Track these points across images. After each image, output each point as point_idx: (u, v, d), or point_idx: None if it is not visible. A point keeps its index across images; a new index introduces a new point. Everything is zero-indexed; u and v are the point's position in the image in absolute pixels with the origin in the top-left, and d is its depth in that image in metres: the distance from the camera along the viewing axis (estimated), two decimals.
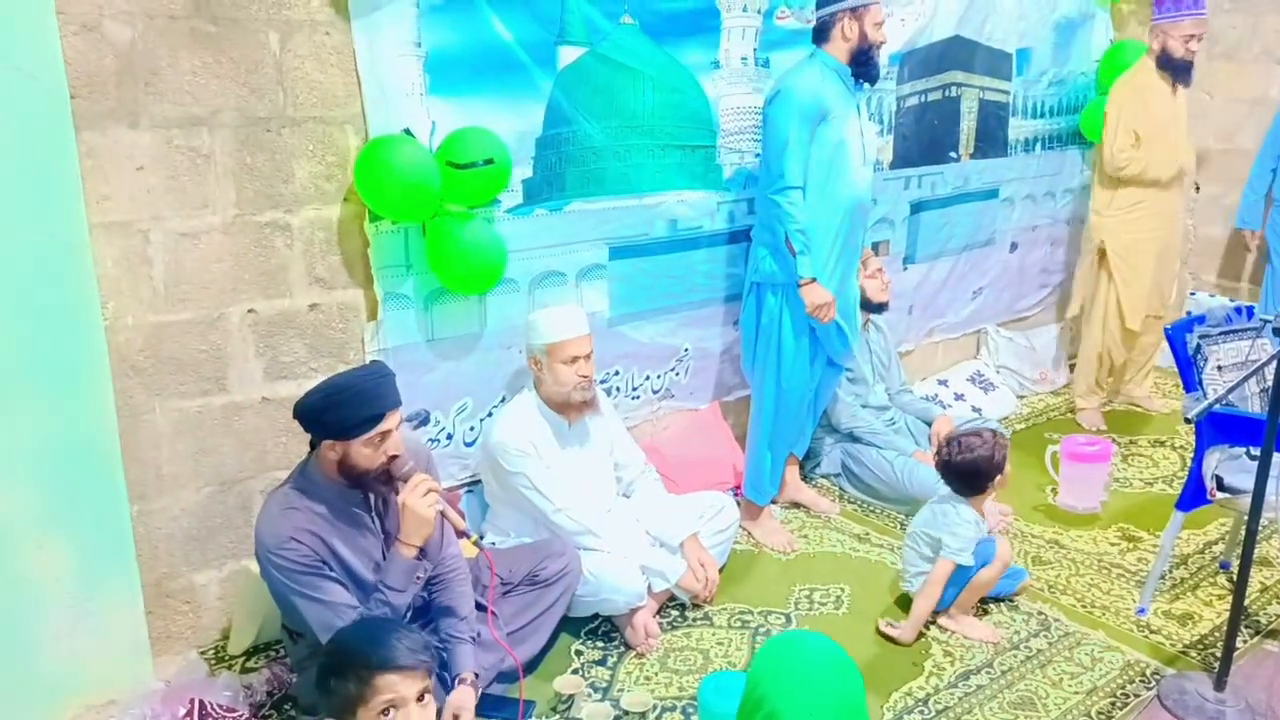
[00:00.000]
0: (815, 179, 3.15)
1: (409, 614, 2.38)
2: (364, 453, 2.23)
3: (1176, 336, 3.04)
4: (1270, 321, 2.44)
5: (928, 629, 2.91)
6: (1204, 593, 3.15)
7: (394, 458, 2.27)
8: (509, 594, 2.66)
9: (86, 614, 2.43)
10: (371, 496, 2.34)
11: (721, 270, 3.72)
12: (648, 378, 3.68)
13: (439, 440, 3.15)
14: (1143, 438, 4.39)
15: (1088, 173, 5.13)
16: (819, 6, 3.21)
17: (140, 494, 2.58)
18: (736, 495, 3.58)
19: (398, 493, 2.29)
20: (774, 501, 3.59)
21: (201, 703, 2.43)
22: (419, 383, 3.04)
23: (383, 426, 2.22)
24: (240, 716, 2.46)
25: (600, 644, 2.86)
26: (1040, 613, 3.02)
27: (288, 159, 2.68)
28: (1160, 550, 3.01)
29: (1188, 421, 2.49)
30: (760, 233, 3.33)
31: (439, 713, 2.31)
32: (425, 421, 3.10)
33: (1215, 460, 2.86)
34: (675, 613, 3.01)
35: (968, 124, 4.46)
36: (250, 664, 2.75)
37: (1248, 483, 2.54)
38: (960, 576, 2.88)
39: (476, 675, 2.39)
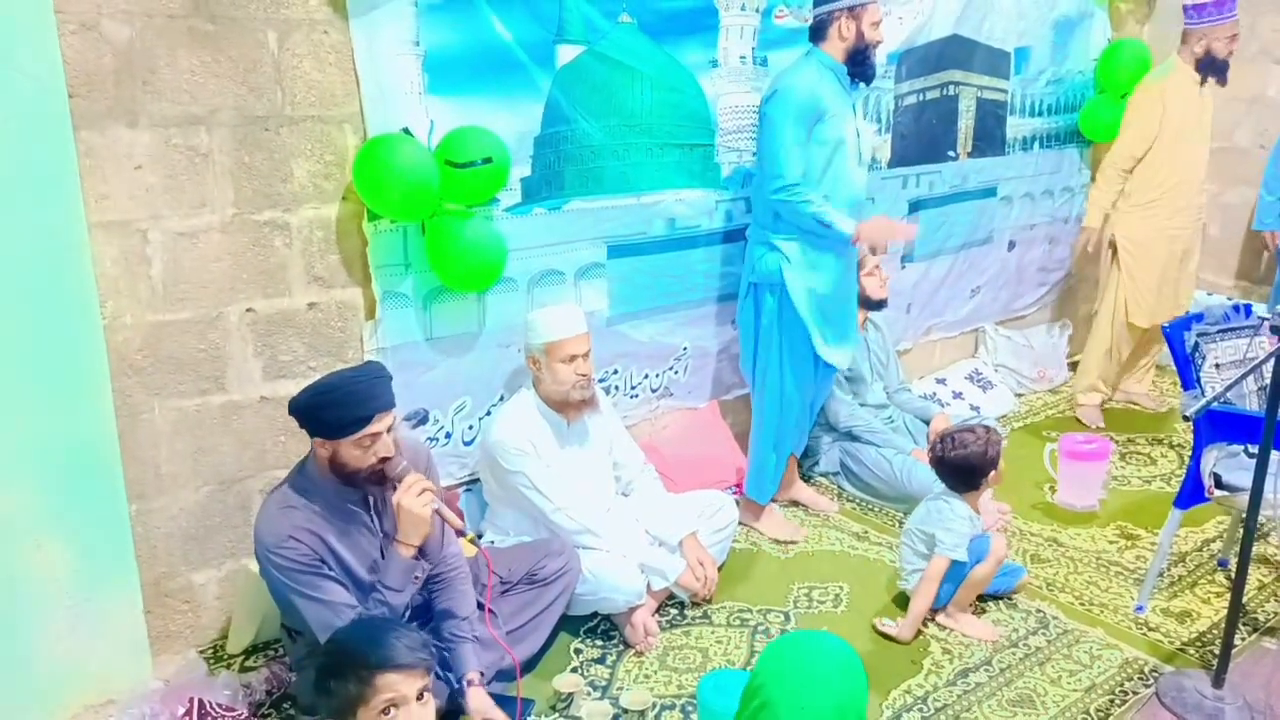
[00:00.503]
0: (812, 178, 3.15)
1: (408, 613, 2.38)
2: (353, 453, 2.23)
3: (1174, 334, 3.05)
4: (1268, 319, 2.44)
5: (926, 626, 2.91)
6: (1202, 590, 3.16)
7: (385, 459, 2.26)
8: (508, 593, 2.66)
9: (85, 613, 2.43)
10: (370, 496, 2.34)
11: (720, 269, 3.72)
12: (646, 376, 3.69)
13: (438, 439, 3.15)
14: (1141, 436, 4.40)
15: (1086, 171, 5.14)
16: (816, 5, 3.20)
17: (139, 493, 2.58)
18: (736, 494, 3.58)
19: (393, 492, 2.29)
20: (774, 500, 3.59)
21: (201, 702, 2.43)
22: (418, 382, 3.04)
23: (371, 429, 2.21)
24: (239, 715, 2.46)
25: (599, 642, 2.87)
26: (1039, 610, 3.03)
27: (286, 158, 2.68)
28: (1158, 548, 3.02)
29: (1186, 419, 2.49)
30: (756, 232, 3.33)
31: (453, 715, 2.33)
32: (424, 420, 3.10)
33: (1213, 458, 2.87)
34: (674, 611, 3.01)
35: (966, 123, 4.46)
36: (249, 663, 2.75)
37: (1246, 480, 2.55)
38: (956, 573, 2.89)
39: (481, 674, 2.39)
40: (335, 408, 2.20)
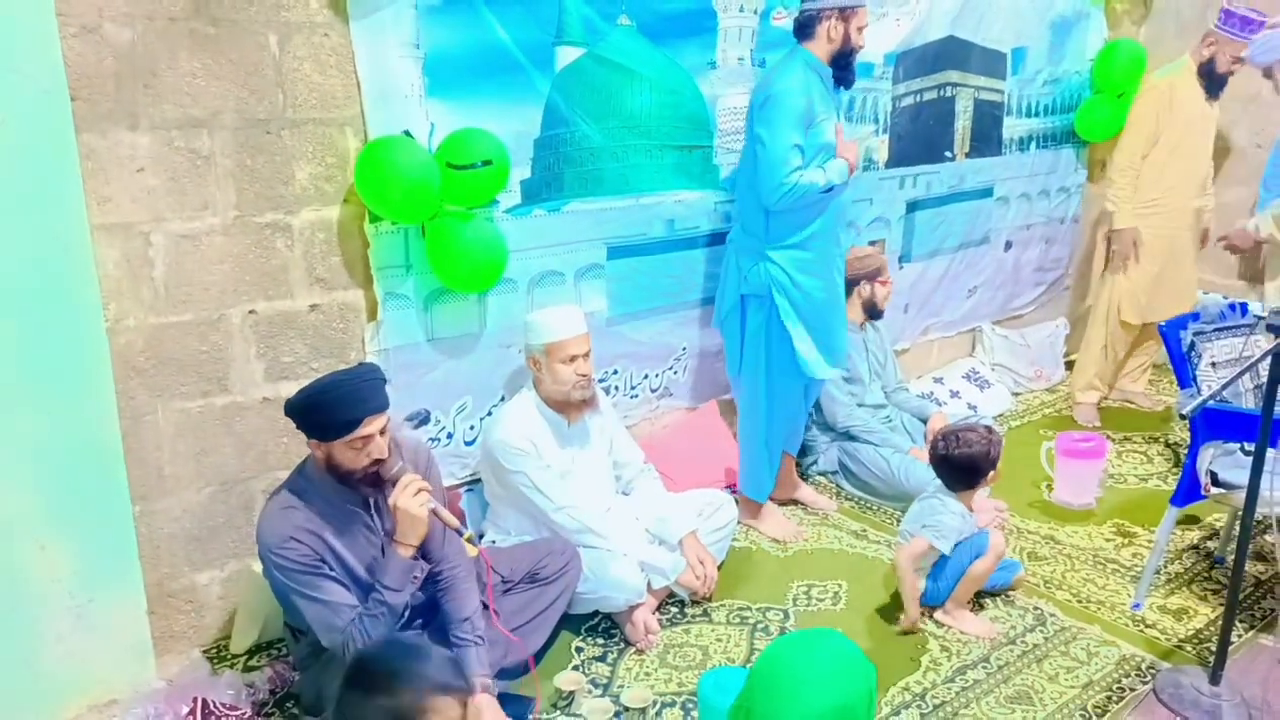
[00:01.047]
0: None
1: (408, 612, 2.39)
2: (347, 455, 2.24)
3: (1171, 333, 3.07)
4: (1264, 318, 2.46)
5: (925, 624, 2.92)
6: (1199, 587, 3.18)
7: (379, 461, 2.26)
8: (509, 592, 2.67)
9: (89, 614, 2.44)
10: (369, 496, 2.35)
11: (719, 270, 3.73)
12: (646, 376, 3.70)
13: (439, 439, 3.16)
14: (1137, 434, 4.42)
15: (1083, 172, 5.16)
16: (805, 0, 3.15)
17: (142, 494, 2.59)
18: (734, 493, 3.60)
19: (391, 493, 2.29)
20: (773, 499, 3.60)
21: (205, 701, 2.44)
22: (419, 382, 3.05)
23: (362, 431, 2.22)
24: (243, 715, 2.47)
25: (600, 641, 2.88)
26: (1036, 608, 3.04)
27: (288, 160, 2.69)
28: (1155, 545, 3.03)
29: (1182, 418, 2.51)
30: (746, 241, 3.28)
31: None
32: (425, 421, 3.12)
33: (1210, 456, 2.88)
34: (674, 609, 3.03)
35: (963, 123, 4.48)
36: (253, 662, 2.76)
37: (1242, 478, 2.57)
38: (953, 569, 2.90)
39: (490, 678, 2.41)
40: (326, 410, 2.21)
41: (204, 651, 2.78)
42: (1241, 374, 2.57)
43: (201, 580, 2.78)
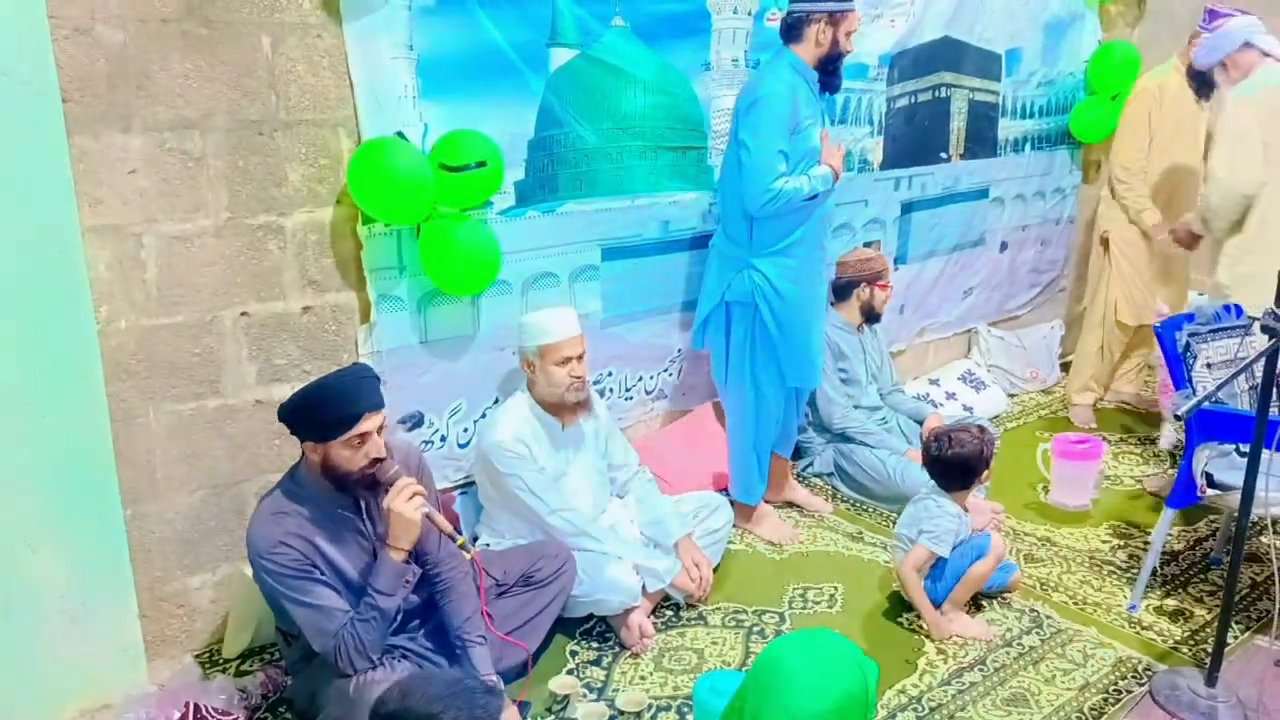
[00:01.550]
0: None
1: (399, 616, 2.38)
2: (344, 454, 2.23)
3: (1166, 334, 3.07)
4: (1258, 319, 2.46)
5: (921, 628, 2.92)
6: (1195, 589, 3.17)
7: (377, 461, 2.26)
8: (504, 595, 2.66)
9: (80, 618, 2.43)
10: (362, 500, 2.34)
11: None
12: (641, 378, 3.69)
13: (433, 442, 3.15)
14: (1133, 435, 4.41)
15: (1077, 173, 5.16)
16: (795, 0, 3.10)
17: (134, 498, 2.58)
18: (728, 495, 3.59)
19: (385, 496, 2.28)
20: (768, 501, 3.59)
21: (196, 706, 2.42)
22: (412, 385, 3.04)
23: (360, 428, 2.21)
24: (235, 719, 2.46)
25: (595, 644, 2.87)
26: (1032, 610, 3.04)
27: (280, 162, 2.68)
28: (1151, 547, 3.03)
29: (1177, 419, 2.51)
30: (729, 249, 3.25)
31: None
32: (419, 424, 3.11)
33: (1205, 457, 2.88)
34: (670, 612, 3.02)
35: (958, 124, 4.48)
36: (245, 667, 2.75)
37: (1237, 479, 2.56)
38: (953, 571, 2.90)
39: (499, 676, 2.41)
40: (324, 408, 2.21)
41: (196, 656, 2.76)
42: (1236, 375, 2.57)
43: (193, 584, 2.77)
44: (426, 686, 1.71)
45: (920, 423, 3.98)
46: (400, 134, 2.81)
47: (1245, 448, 2.54)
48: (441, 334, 3.08)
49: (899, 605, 3.04)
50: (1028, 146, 4.85)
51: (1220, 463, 2.92)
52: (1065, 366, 5.03)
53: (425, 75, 2.84)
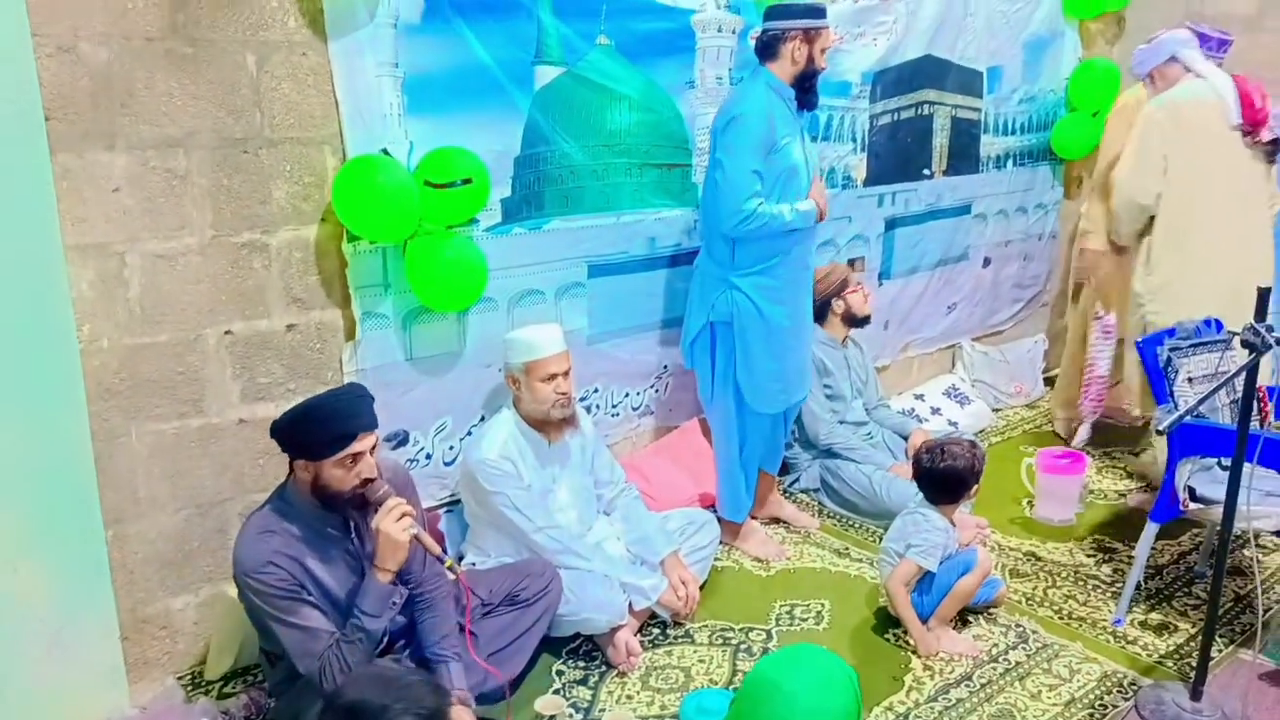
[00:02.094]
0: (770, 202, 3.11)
1: (385, 638, 2.37)
2: (336, 474, 2.22)
3: (1147, 349, 3.09)
4: (1239, 334, 2.48)
5: (908, 643, 2.92)
6: (1179, 603, 3.19)
7: (368, 481, 2.25)
8: (489, 615, 2.65)
9: (61, 640, 2.40)
10: (350, 520, 2.33)
11: None
12: (627, 395, 3.69)
13: (418, 460, 3.14)
14: (1116, 450, 4.44)
15: (1059, 188, 5.20)
16: (768, 19, 3.11)
17: (116, 518, 2.55)
18: (715, 512, 3.58)
19: (374, 516, 2.27)
20: (754, 518, 3.59)
21: None
22: (398, 402, 3.03)
23: (354, 448, 2.20)
24: None
25: (581, 663, 2.86)
26: (1018, 625, 3.04)
27: (265, 180, 2.67)
28: (1135, 561, 3.04)
29: (1159, 433, 2.52)
30: (712, 268, 3.24)
31: None
32: (404, 441, 3.09)
33: (1187, 471, 2.90)
34: (656, 631, 3.01)
35: (940, 141, 4.52)
36: (228, 689, 2.72)
37: (1220, 493, 2.58)
38: (940, 585, 2.90)
39: (468, 692, 2.38)
40: (319, 426, 2.19)
41: (178, 678, 2.73)
42: (1218, 389, 2.59)
43: (176, 605, 2.74)
44: (378, 679, 1.77)
45: (905, 438, 3.99)
46: (385, 151, 2.81)
47: (1227, 461, 2.56)
48: (427, 351, 3.08)
49: (886, 621, 3.04)
50: (1010, 163, 4.90)
51: (1202, 476, 2.94)
52: (1050, 381, 5.06)
53: (411, 93, 2.85)
